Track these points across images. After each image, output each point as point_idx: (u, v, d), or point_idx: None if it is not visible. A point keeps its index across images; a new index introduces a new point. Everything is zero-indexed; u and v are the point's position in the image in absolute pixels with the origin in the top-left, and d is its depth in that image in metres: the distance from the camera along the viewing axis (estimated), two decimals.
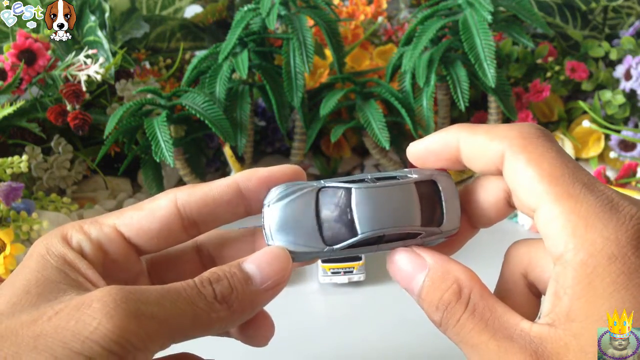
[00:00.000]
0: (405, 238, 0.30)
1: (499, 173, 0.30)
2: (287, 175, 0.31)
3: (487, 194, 0.32)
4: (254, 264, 0.29)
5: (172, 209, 0.31)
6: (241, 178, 0.31)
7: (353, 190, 0.30)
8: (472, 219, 0.33)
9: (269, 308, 0.30)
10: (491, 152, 0.30)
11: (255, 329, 0.33)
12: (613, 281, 0.25)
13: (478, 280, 0.29)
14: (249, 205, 0.32)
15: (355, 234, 0.29)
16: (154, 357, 0.26)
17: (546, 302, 0.27)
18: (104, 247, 0.30)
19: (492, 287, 0.31)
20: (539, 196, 0.27)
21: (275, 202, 0.30)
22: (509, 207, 0.32)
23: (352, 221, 0.29)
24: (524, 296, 0.31)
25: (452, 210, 0.31)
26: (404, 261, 0.30)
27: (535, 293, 0.31)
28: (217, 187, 0.31)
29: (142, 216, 0.31)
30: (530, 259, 0.31)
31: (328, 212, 0.30)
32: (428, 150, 0.32)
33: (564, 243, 0.26)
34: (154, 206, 0.31)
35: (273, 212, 0.30)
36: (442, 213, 0.31)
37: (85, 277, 0.28)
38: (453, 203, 0.31)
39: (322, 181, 0.31)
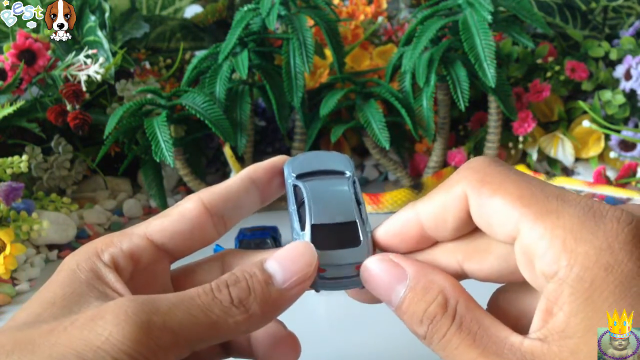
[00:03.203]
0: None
1: (469, 220, 0.29)
2: (283, 162, 0.34)
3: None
4: (276, 261, 0.29)
5: (201, 208, 0.31)
6: (251, 170, 0.33)
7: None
8: None
9: None
10: (453, 203, 0.28)
11: (281, 354, 0.33)
12: (611, 292, 0.24)
13: (462, 289, 0.28)
14: (262, 194, 0.33)
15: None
16: None
17: (535, 319, 0.26)
18: (135, 256, 0.30)
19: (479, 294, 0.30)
20: (516, 221, 0.26)
21: None
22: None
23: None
24: None
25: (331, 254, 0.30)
26: (381, 270, 0.29)
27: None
28: (234, 183, 0.33)
29: (173, 220, 0.31)
30: (521, 306, 0.30)
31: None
32: (390, 236, 0.31)
33: (556, 260, 0.25)
34: (182, 209, 0.32)
35: None
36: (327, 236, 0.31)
37: (114, 289, 0.29)
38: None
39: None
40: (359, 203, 0.32)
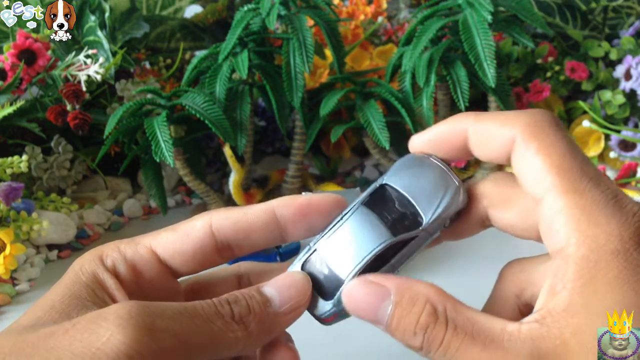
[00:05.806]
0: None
1: (509, 160, 0.30)
2: (326, 204, 0.31)
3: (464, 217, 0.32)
4: (273, 287, 0.29)
5: (207, 231, 0.31)
6: (278, 204, 0.31)
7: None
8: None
9: None
10: (502, 138, 0.29)
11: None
12: (615, 276, 0.25)
13: (446, 293, 0.28)
14: (285, 232, 0.32)
15: None
16: None
17: (540, 298, 0.27)
18: (138, 267, 0.30)
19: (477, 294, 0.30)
20: (545, 187, 0.27)
21: None
22: (480, 229, 0.32)
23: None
24: (513, 317, 0.30)
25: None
26: (363, 292, 0.28)
27: (525, 314, 0.31)
28: (252, 212, 0.31)
29: (177, 237, 0.31)
30: (527, 275, 0.30)
31: None
32: (432, 142, 0.31)
33: (566, 237, 0.26)
34: (189, 228, 0.31)
35: None
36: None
37: (112, 296, 0.29)
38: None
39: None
40: (383, 264, 0.30)
